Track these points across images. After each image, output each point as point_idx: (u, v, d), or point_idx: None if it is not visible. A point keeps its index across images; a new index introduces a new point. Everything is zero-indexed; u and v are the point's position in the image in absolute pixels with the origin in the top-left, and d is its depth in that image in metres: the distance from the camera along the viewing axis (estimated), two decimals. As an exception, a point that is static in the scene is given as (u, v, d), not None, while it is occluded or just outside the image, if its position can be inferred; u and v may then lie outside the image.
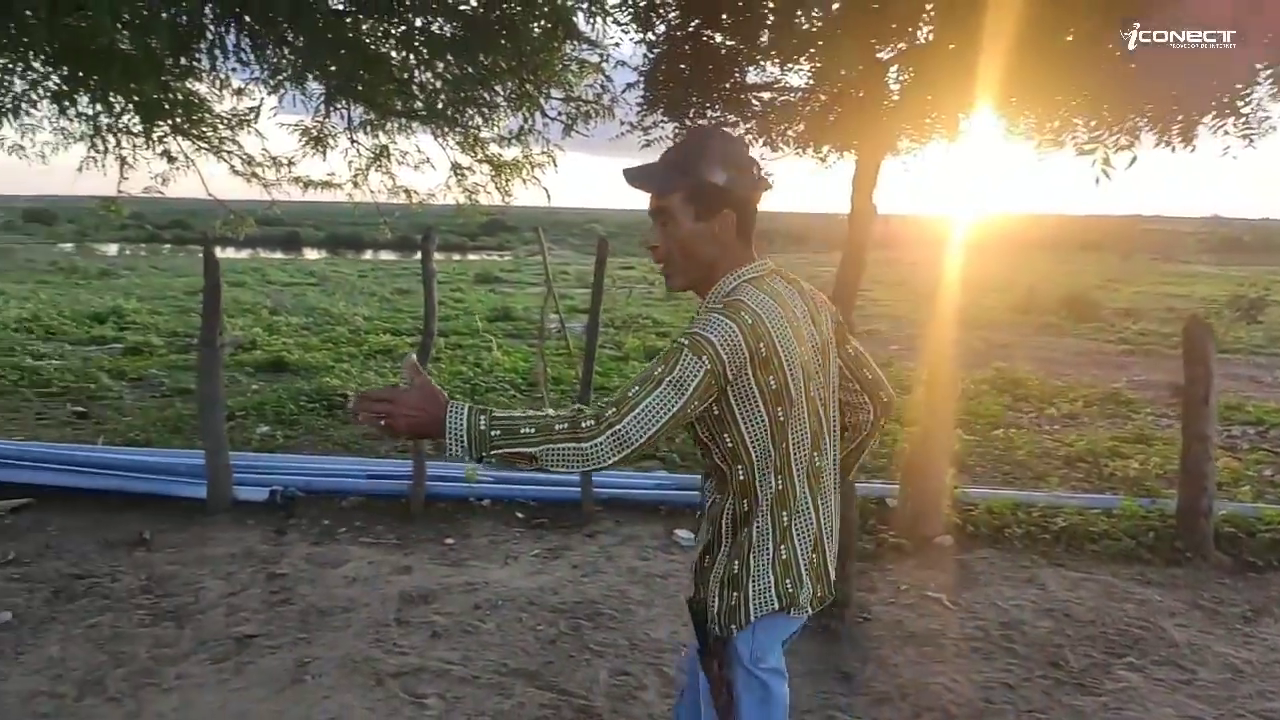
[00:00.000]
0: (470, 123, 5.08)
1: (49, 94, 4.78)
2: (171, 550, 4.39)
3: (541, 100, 4.66)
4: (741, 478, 1.73)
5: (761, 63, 4.15)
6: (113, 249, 33.97)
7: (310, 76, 4.75)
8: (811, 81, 4.12)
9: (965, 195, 4.91)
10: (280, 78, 4.80)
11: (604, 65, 4.81)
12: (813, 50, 3.67)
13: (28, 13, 3.28)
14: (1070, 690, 3.32)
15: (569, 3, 4.27)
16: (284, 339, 10.90)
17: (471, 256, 35.76)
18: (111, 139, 5.20)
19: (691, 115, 4.10)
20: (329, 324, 12.53)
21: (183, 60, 4.25)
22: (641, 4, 4.10)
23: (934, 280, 4.58)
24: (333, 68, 4.34)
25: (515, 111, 4.80)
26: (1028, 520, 4.90)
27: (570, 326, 8.41)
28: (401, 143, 5.77)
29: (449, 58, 4.21)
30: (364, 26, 4.46)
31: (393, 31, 4.40)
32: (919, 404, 5.00)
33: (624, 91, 4.49)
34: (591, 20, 4.39)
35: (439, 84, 4.83)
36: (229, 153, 5.46)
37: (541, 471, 1.71)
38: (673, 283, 1.82)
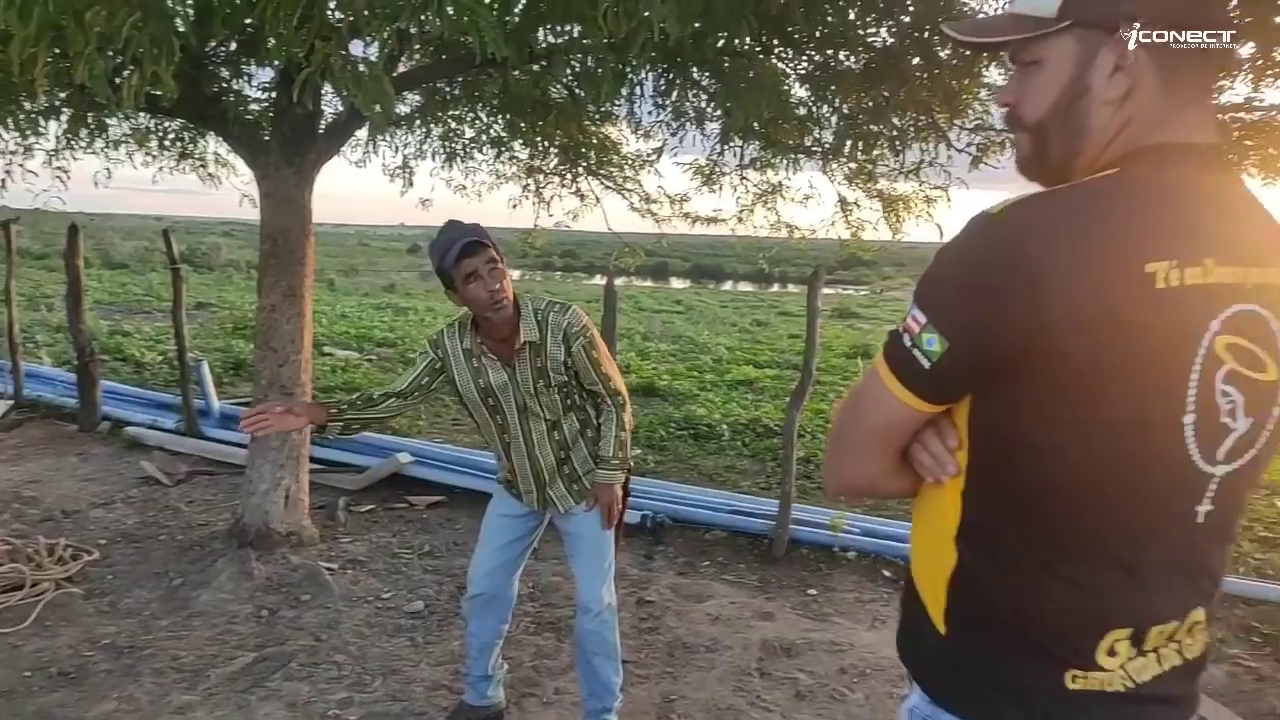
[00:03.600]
0: (864, 156, 4.89)
1: (489, 140, 5.43)
2: (555, 561, 4.65)
3: (948, 131, 4.33)
4: (593, 405, 2.85)
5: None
6: (516, 274, 38.84)
7: (710, 117, 4.89)
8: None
9: None
10: (683, 120, 4.99)
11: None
12: None
13: (488, 72, 3.69)
14: None
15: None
16: (654, 364, 11.47)
17: (826, 290, 35.51)
18: (535, 179, 5.79)
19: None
20: (694, 352, 12.99)
21: (604, 106, 4.58)
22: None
23: None
24: (735, 108, 4.39)
25: (917, 143, 4.52)
26: None
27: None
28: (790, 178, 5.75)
29: (854, 92, 4.06)
30: (768, 66, 4.47)
31: (799, 69, 4.36)
32: None
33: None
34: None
35: (834, 119, 4.70)
36: (629, 190, 5.82)
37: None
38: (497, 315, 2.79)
